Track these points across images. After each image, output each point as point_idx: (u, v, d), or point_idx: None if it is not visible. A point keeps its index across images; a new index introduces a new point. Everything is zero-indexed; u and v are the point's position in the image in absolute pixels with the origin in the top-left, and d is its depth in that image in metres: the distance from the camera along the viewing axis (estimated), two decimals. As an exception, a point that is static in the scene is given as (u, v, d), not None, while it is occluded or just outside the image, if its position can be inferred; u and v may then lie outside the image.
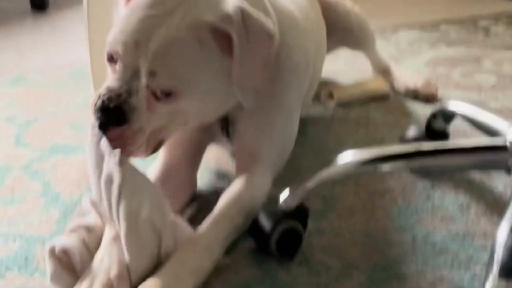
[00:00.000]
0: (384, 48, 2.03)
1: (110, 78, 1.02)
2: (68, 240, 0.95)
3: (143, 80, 0.98)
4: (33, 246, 1.09)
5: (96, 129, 0.98)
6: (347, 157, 1.05)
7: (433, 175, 1.30)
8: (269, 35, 1.04)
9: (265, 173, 1.15)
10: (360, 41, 1.78)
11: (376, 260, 1.03)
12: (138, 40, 0.97)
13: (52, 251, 0.93)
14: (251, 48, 1.01)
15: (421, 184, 1.27)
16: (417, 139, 1.35)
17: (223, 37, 1.00)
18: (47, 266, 0.94)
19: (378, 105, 1.70)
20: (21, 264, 1.04)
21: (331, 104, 1.70)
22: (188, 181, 1.21)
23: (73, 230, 0.98)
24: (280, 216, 1.04)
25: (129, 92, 0.98)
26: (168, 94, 0.99)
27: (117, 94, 0.98)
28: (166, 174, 1.17)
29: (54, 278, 0.93)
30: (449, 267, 1.01)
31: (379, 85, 1.79)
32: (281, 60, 1.17)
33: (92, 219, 1.00)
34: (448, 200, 1.22)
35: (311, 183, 1.05)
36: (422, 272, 1.00)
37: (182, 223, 1.02)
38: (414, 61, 2.07)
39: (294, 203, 1.05)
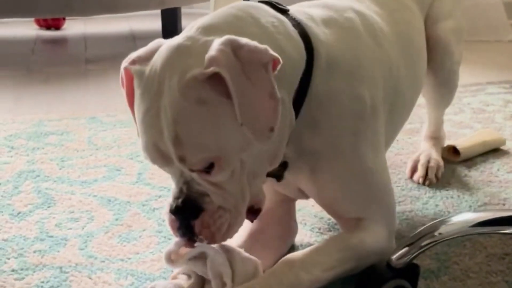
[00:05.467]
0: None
1: None
2: (168, 285, 0.97)
3: (183, 169, 0.94)
4: (143, 283, 1.12)
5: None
6: (464, 217, 1.01)
7: (558, 241, 1.22)
8: (262, 61, 0.89)
9: (373, 225, 1.09)
10: (437, 96, 1.57)
11: (490, 329, 0.98)
12: (154, 140, 0.92)
13: None
14: (250, 80, 0.89)
15: (545, 250, 1.20)
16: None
17: (220, 80, 0.88)
18: None
19: (502, 162, 1.63)
20: (131, 301, 1.07)
21: (455, 160, 1.64)
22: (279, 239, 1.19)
23: (175, 277, 1.01)
24: (389, 273, 1.01)
25: (187, 184, 0.95)
26: (211, 165, 0.92)
27: (179, 192, 0.96)
28: (253, 239, 1.16)
29: None
30: None
31: (494, 136, 1.76)
32: (320, 104, 1.05)
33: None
34: None
35: (424, 241, 1.01)
36: None
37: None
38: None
39: (405, 261, 1.01)
